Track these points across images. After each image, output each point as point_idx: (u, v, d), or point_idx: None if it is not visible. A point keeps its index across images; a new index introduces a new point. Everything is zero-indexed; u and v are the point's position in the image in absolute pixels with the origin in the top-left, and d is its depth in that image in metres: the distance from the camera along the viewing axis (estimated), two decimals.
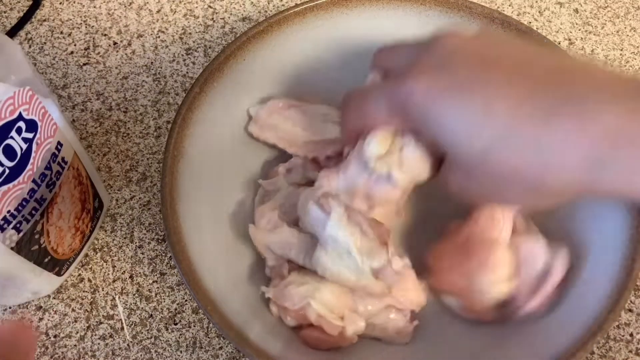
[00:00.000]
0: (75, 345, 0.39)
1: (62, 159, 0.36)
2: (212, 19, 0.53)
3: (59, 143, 0.35)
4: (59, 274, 0.39)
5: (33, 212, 0.34)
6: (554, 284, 0.34)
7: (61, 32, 0.52)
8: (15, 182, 0.32)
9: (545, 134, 0.26)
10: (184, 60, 0.51)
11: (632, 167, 0.25)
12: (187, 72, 0.50)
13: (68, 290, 0.41)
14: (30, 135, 0.32)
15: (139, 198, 0.44)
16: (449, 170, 0.31)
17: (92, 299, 0.41)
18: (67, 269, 0.40)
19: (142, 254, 0.42)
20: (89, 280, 0.41)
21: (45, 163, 0.34)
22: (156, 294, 0.41)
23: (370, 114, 0.32)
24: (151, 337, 0.39)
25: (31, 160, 0.33)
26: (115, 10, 0.54)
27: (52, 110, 0.34)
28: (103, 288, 0.41)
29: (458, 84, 0.28)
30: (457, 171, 0.30)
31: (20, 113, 0.31)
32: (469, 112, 0.28)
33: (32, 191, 0.34)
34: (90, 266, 0.42)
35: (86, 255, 0.42)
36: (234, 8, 0.54)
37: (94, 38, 0.52)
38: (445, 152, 0.31)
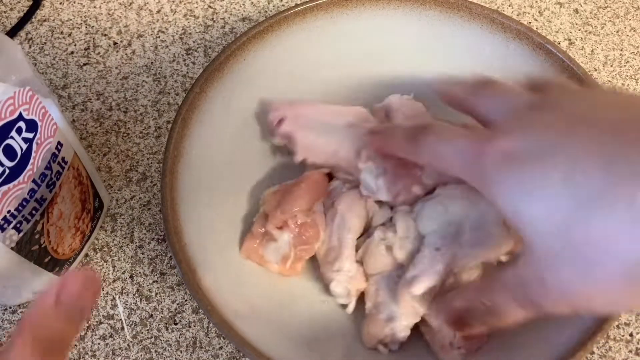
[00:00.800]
0: (75, 345, 0.39)
1: (62, 159, 0.36)
2: (212, 19, 0.53)
3: (59, 143, 0.35)
4: (59, 274, 0.39)
5: (33, 212, 0.34)
6: None
7: (61, 32, 0.52)
8: (16, 182, 0.32)
9: None
10: (184, 60, 0.51)
11: None
12: (187, 72, 0.50)
13: None
14: (30, 135, 0.32)
15: (139, 198, 0.44)
16: (523, 263, 0.27)
17: None
18: (67, 269, 0.40)
19: (142, 254, 0.42)
20: None
21: (45, 163, 0.34)
22: (156, 294, 0.41)
23: (444, 158, 0.30)
24: (151, 337, 0.39)
25: (31, 160, 0.33)
26: (115, 10, 0.54)
27: (52, 110, 0.34)
28: (103, 288, 0.41)
29: (541, 151, 0.25)
30: (531, 262, 0.26)
31: (20, 113, 0.31)
32: (546, 183, 0.25)
33: (32, 191, 0.34)
34: (90, 266, 0.42)
35: (86, 255, 0.42)
36: (234, 8, 0.54)
37: (94, 38, 0.52)
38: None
